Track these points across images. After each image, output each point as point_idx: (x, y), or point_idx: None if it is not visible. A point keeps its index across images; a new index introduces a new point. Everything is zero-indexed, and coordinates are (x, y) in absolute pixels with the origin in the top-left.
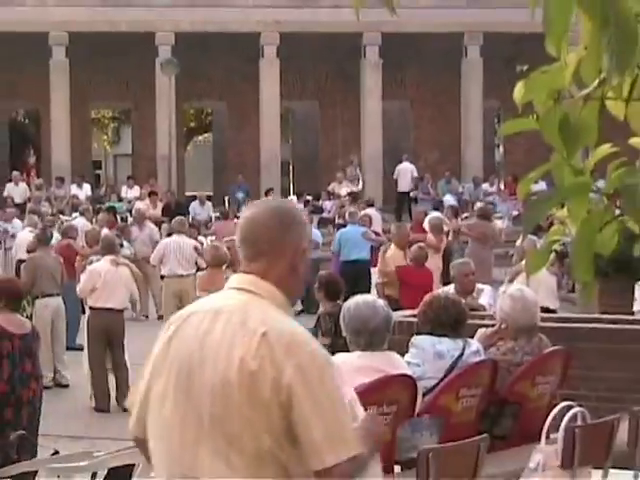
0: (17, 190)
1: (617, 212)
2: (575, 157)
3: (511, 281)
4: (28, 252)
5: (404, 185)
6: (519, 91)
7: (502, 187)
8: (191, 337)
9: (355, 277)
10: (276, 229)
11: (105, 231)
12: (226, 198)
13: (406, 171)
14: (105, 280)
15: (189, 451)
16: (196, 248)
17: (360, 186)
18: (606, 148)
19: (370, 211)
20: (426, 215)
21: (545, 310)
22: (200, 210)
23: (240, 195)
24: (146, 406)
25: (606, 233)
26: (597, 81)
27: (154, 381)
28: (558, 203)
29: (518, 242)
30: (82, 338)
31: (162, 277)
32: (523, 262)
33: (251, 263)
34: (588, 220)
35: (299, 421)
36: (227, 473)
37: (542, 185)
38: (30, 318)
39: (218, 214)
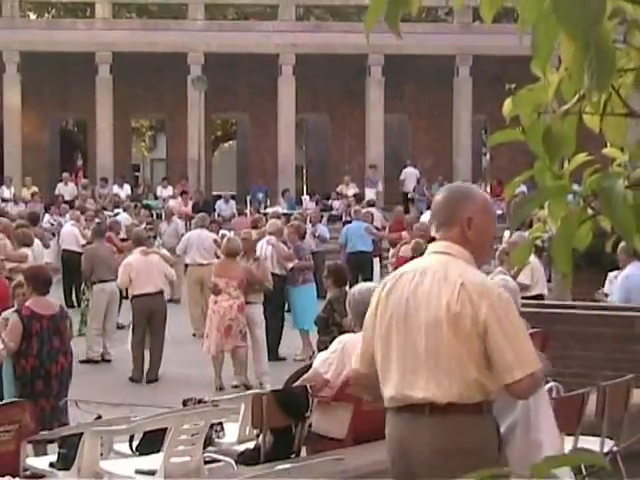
0: (67, 189)
1: (591, 212)
2: (556, 164)
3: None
4: (87, 244)
5: (410, 186)
6: (507, 106)
7: (488, 190)
8: (405, 290)
9: (359, 266)
10: (449, 205)
11: (136, 228)
12: (248, 197)
13: (412, 174)
14: (137, 270)
15: (408, 377)
16: (215, 240)
17: (380, 188)
18: (582, 156)
19: (372, 210)
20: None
21: (539, 297)
22: (225, 207)
23: (260, 195)
24: (371, 346)
25: (582, 230)
26: (576, 98)
27: (377, 326)
28: (540, 203)
29: (506, 236)
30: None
31: (186, 266)
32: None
33: (442, 232)
34: (567, 219)
35: (494, 347)
36: (439, 393)
37: (523, 188)
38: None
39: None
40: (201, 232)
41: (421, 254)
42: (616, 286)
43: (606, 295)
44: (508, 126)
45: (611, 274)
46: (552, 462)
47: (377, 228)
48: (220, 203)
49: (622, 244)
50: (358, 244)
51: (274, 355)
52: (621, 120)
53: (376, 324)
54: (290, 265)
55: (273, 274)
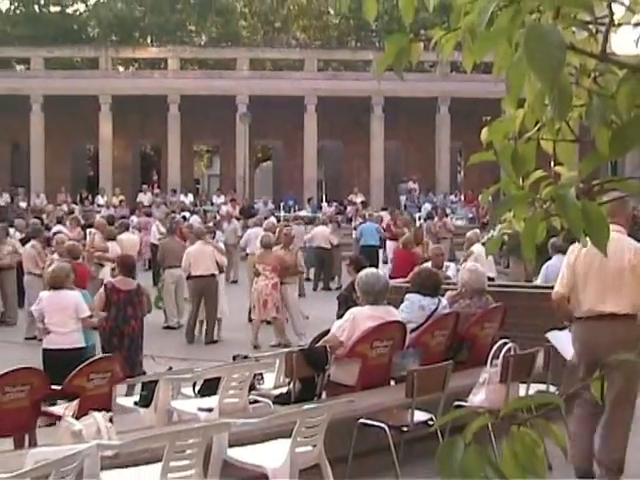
0: (145, 197)
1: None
2: (519, 178)
3: (465, 260)
4: (162, 238)
5: (404, 196)
6: (484, 134)
7: (462, 198)
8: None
9: (369, 256)
10: (620, 205)
11: (197, 225)
12: (281, 204)
13: (404, 188)
14: (195, 257)
15: (600, 297)
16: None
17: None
18: (539, 172)
19: (383, 213)
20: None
21: (489, 278)
22: (263, 209)
23: (290, 202)
24: (571, 281)
25: (539, 228)
26: (536, 128)
27: (577, 270)
28: (509, 207)
29: (468, 234)
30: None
31: (246, 255)
32: (472, 247)
33: (612, 220)
34: (532, 219)
35: None
36: (619, 308)
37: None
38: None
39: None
40: (258, 230)
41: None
42: (541, 272)
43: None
44: (479, 151)
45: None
46: (518, 402)
47: (383, 228)
48: (260, 205)
49: (551, 240)
50: (369, 239)
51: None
52: (570, 145)
53: (575, 269)
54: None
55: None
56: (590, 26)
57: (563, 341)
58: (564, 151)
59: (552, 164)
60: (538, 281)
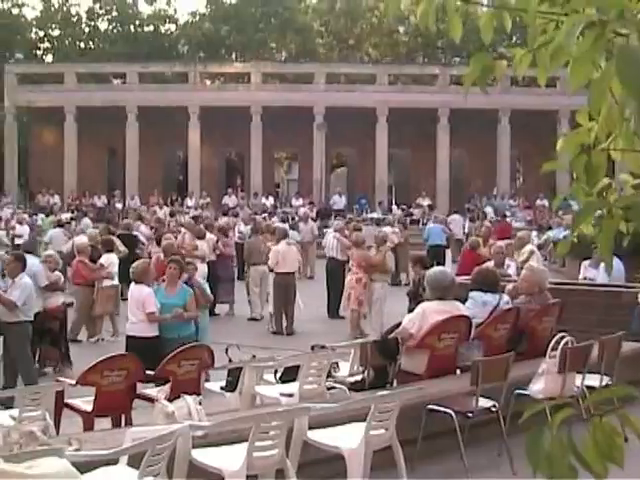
0: (230, 200)
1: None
2: (590, 185)
3: (526, 260)
4: (246, 237)
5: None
6: (560, 144)
7: (520, 203)
8: None
9: (436, 255)
10: None
11: (281, 226)
12: (355, 207)
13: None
14: (283, 255)
15: None
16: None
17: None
18: (606, 180)
19: (454, 216)
20: None
21: None
22: (339, 201)
23: (362, 201)
24: None
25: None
26: (609, 139)
27: None
28: (591, 213)
29: (533, 235)
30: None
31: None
32: (526, 247)
33: None
34: (609, 223)
35: None
36: None
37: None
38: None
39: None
40: (335, 234)
41: (475, 248)
42: (601, 271)
43: (584, 278)
44: (536, 159)
45: (585, 262)
46: (599, 394)
47: (450, 229)
48: (336, 197)
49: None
50: (436, 240)
51: (335, 314)
52: (638, 155)
53: None
54: (349, 252)
55: (336, 259)
56: None
57: None
58: (633, 160)
59: (614, 172)
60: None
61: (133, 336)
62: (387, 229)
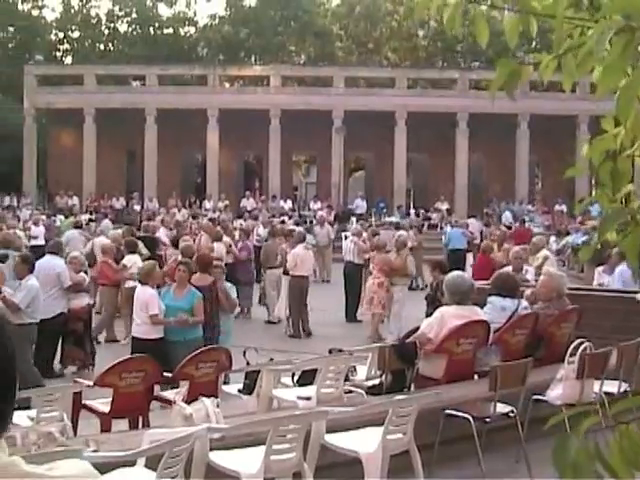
0: (248, 203)
1: None
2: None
3: (540, 266)
4: (265, 241)
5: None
6: (585, 150)
7: (539, 208)
8: None
9: (457, 259)
10: None
11: (299, 229)
12: (372, 210)
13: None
14: (302, 258)
15: None
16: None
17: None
18: (630, 186)
19: (471, 220)
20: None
21: None
22: (361, 204)
23: (381, 204)
24: None
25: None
26: (636, 145)
27: None
28: (618, 220)
29: (551, 241)
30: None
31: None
32: (541, 252)
33: None
34: (636, 232)
35: None
36: None
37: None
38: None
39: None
40: (353, 238)
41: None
42: (616, 277)
43: (600, 284)
44: (555, 164)
45: (599, 268)
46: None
47: (471, 232)
48: (358, 201)
49: (615, 250)
50: (457, 244)
51: (353, 317)
52: None
53: None
54: (366, 256)
55: (354, 263)
56: None
57: None
58: None
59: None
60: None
61: (138, 338)
62: (402, 233)
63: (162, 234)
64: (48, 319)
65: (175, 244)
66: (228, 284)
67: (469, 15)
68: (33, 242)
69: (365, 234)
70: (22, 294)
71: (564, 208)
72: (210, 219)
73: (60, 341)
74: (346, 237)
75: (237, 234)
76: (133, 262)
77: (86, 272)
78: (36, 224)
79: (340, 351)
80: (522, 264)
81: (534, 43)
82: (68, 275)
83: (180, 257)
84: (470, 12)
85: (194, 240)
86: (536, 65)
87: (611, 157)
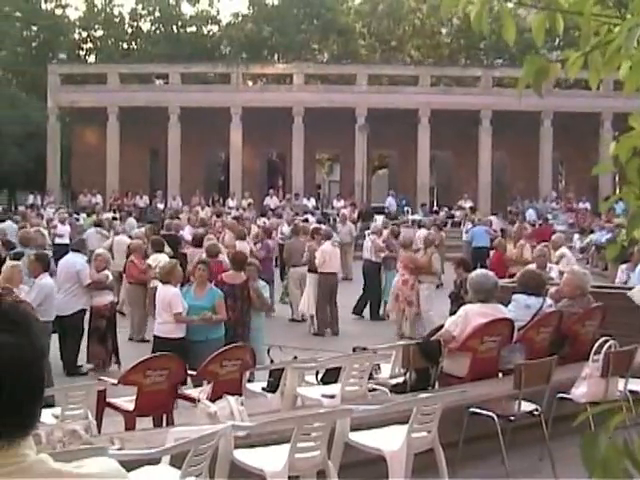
0: (271, 201)
1: None
2: None
3: (557, 263)
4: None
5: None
6: (613, 147)
7: (562, 206)
8: None
9: (480, 257)
10: None
11: (325, 227)
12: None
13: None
14: (330, 255)
15: None
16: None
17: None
18: None
19: (491, 218)
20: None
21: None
22: (392, 203)
23: (404, 201)
24: None
25: None
26: None
27: None
28: None
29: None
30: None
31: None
32: (559, 250)
33: None
34: None
35: None
36: None
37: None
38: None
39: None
40: (375, 237)
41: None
42: (637, 274)
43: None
44: (578, 162)
45: (622, 266)
46: None
47: (495, 230)
48: (390, 199)
49: (637, 247)
50: (480, 241)
51: (376, 315)
52: None
53: None
54: (382, 255)
55: (371, 261)
56: None
57: None
58: None
59: None
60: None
61: (160, 337)
62: (423, 231)
63: (187, 232)
64: (68, 316)
65: (199, 243)
66: (262, 283)
67: (493, 12)
68: (58, 240)
69: (385, 232)
70: (34, 293)
71: (588, 206)
72: (234, 217)
73: (86, 339)
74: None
75: (256, 232)
76: (159, 261)
77: None
78: (62, 222)
79: (364, 349)
80: (546, 262)
81: (557, 40)
82: (88, 273)
83: (204, 255)
84: (495, 10)
85: (218, 238)
86: (562, 62)
87: (639, 154)
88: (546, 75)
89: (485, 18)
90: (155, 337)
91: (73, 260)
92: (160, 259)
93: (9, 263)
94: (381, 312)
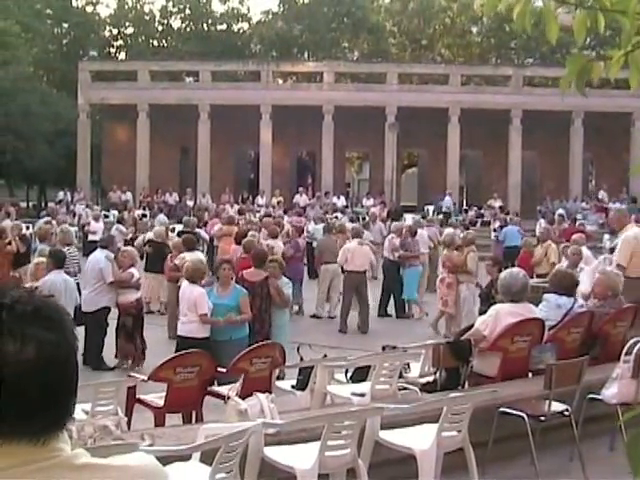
0: (301, 199)
1: None
2: None
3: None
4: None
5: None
6: None
7: (593, 206)
8: None
9: (512, 256)
10: None
11: (355, 225)
12: (428, 207)
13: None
14: (353, 253)
15: None
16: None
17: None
18: None
19: (541, 220)
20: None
21: None
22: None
23: (439, 205)
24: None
25: None
26: None
27: None
28: None
29: (574, 237)
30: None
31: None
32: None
33: None
34: None
35: None
36: None
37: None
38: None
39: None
40: (392, 236)
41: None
42: None
43: None
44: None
45: None
46: None
47: (525, 230)
48: (447, 199)
49: None
50: (512, 240)
51: (402, 313)
52: None
53: None
54: (397, 254)
55: (389, 259)
56: None
57: None
58: None
59: None
60: None
61: (184, 336)
62: (449, 230)
63: (216, 229)
64: (91, 312)
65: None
66: (285, 280)
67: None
68: (92, 237)
69: (404, 231)
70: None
71: (620, 205)
72: (267, 215)
73: (115, 335)
74: None
75: (286, 230)
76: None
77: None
78: (96, 220)
79: (394, 348)
80: (578, 260)
81: (588, 40)
82: (110, 271)
83: (241, 252)
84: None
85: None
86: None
87: None
88: (589, 75)
89: (529, 16)
90: (179, 337)
91: (97, 257)
92: (187, 257)
93: (35, 260)
94: (406, 310)
